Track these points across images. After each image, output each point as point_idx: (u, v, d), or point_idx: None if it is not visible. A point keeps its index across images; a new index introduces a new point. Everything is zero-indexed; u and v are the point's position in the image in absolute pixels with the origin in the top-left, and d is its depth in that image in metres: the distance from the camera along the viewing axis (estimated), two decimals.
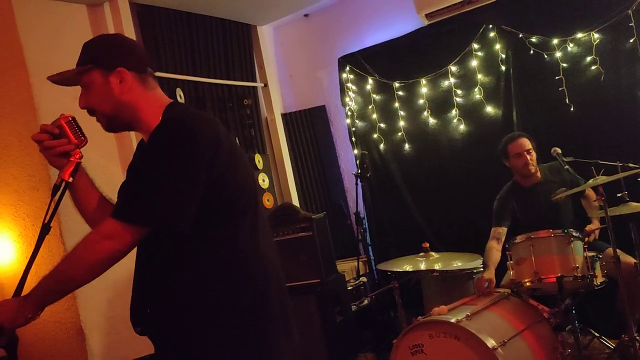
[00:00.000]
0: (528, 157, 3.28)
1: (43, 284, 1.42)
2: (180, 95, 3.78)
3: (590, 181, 2.91)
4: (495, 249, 3.19)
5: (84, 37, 3.42)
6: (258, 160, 4.30)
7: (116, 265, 3.58)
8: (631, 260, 2.98)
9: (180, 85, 3.80)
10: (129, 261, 3.62)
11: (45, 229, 1.53)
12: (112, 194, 3.61)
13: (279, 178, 4.56)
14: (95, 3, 3.46)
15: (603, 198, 2.77)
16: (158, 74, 3.66)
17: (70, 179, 1.57)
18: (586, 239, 3.03)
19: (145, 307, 1.48)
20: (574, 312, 2.85)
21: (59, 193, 1.55)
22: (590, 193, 3.30)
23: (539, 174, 3.38)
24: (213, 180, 1.39)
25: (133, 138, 3.47)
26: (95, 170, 3.22)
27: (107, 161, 3.36)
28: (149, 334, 1.50)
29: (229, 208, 1.43)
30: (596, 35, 3.59)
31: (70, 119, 1.57)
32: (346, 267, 4.17)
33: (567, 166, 3.19)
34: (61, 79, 1.55)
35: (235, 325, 1.40)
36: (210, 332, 1.39)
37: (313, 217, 3.60)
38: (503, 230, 3.30)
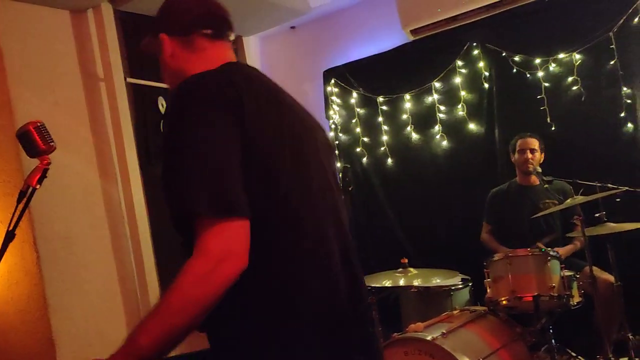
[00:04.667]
0: (530, 155, 3.46)
1: (145, 341, 1.03)
2: (162, 104, 3.75)
3: (569, 200, 2.93)
4: (490, 241, 3.57)
5: (66, 42, 3.43)
6: None
7: (91, 277, 3.52)
8: (609, 277, 3.00)
9: (162, 94, 3.77)
10: (103, 271, 3.56)
11: (9, 236, 1.49)
12: (89, 201, 3.57)
13: None
14: (79, 9, 3.43)
15: (581, 217, 2.79)
16: (140, 81, 3.64)
17: (38, 186, 1.54)
18: None
19: None
20: (550, 331, 2.85)
21: (24, 199, 1.52)
22: None
23: (536, 179, 3.46)
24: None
25: (112, 142, 3.43)
26: (72, 176, 3.21)
27: (84, 167, 3.32)
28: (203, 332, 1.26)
29: (260, 193, 1.10)
30: (578, 56, 3.63)
31: (39, 124, 1.55)
32: None
33: (546, 185, 3.22)
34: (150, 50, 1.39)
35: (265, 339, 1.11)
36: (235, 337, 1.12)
37: None
38: (491, 227, 3.64)
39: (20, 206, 1.50)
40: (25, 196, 1.52)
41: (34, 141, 1.53)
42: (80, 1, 3.34)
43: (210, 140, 1.06)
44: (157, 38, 1.31)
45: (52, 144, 1.55)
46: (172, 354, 1.09)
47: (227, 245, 1.02)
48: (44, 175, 1.56)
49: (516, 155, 3.54)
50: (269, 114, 1.16)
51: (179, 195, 1.04)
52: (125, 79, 3.50)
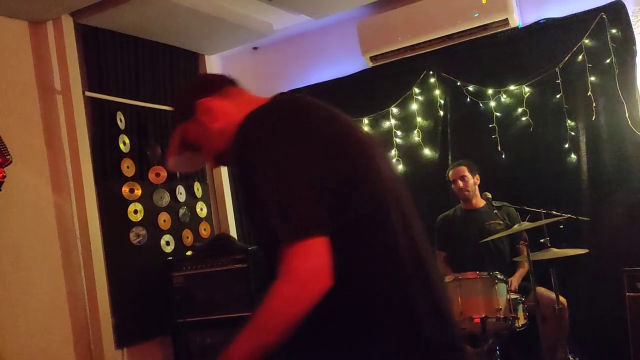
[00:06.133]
0: (461, 183, 3.61)
1: (237, 356, 1.10)
2: (120, 119, 3.72)
3: (516, 226, 3.06)
4: (446, 271, 3.52)
5: (23, 53, 3.39)
6: (197, 188, 4.26)
7: (38, 293, 3.43)
8: (552, 295, 3.14)
9: (121, 109, 3.74)
10: (52, 287, 3.47)
11: None
12: (41, 215, 3.50)
13: (217, 208, 4.52)
14: (38, 21, 3.39)
15: (526, 243, 2.92)
16: (98, 95, 3.60)
17: None
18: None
19: None
20: (497, 352, 2.95)
21: None
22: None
23: (480, 201, 3.63)
24: None
25: (67, 157, 3.37)
26: (24, 190, 3.13)
27: (37, 181, 3.24)
28: None
29: (339, 208, 1.14)
30: (527, 89, 3.81)
31: None
32: None
33: (495, 210, 3.36)
34: (179, 160, 1.42)
35: None
36: None
37: (249, 248, 3.58)
38: (445, 254, 3.72)
39: None
40: None
41: None
42: (39, 13, 3.30)
43: (280, 166, 1.11)
44: (191, 116, 1.34)
45: (9, 157, 1.54)
46: None
47: (310, 266, 1.06)
48: None
49: (452, 186, 3.70)
50: (334, 131, 1.22)
51: (260, 226, 1.12)
52: (83, 93, 3.47)
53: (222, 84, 1.39)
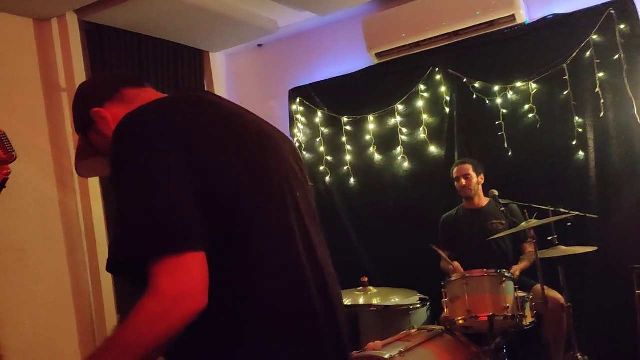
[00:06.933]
0: (464, 181, 3.59)
1: None
2: None
3: (523, 224, 3.04)
4: (447, 266, 3.52)
5: (28, 51, 3.38)
6: None
7: (43, 291, 3.42)
8: (558, 295, 3.11)
9: None
10: (57, 285, 3.47)
11: None
12: (45, 213, 3.49)
13: None
14: (43, 18, 3.38)
15: (534, 240, 2.90)
16: None
17: None
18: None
19: None
20: (504, 350, 2.92)
21: None
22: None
23: (483, 201, 3.59)
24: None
25: (72, 154, 3.37)
26: (26, 188, 3.13)
27: (42, 178, 3.24)
28: None
29: (219, 218, 1.05)
30: (534, 86, 3.78)
31: (1, 133, 1.52)
32: None
33: (502, 208, 3.33)
34: (88, 165, 1.35)
35: None
36: None
37: None
38: (448, 254, 3.65)
39: None
40: None
41: None
42: (44, 10, 3.30)
43: (148, 176, 1.01)
44: (92, 126, 1.27)
45: (14, 153, 1.53)
46: None
47: (181, 285, 0.96)
48: (3, 185, 1.53)
49: (455, 183, 3.67)
50: (220, 134, 1.11)
51: (124, 240, 0.99)
52: None
53: (116, 87, 1.28)
